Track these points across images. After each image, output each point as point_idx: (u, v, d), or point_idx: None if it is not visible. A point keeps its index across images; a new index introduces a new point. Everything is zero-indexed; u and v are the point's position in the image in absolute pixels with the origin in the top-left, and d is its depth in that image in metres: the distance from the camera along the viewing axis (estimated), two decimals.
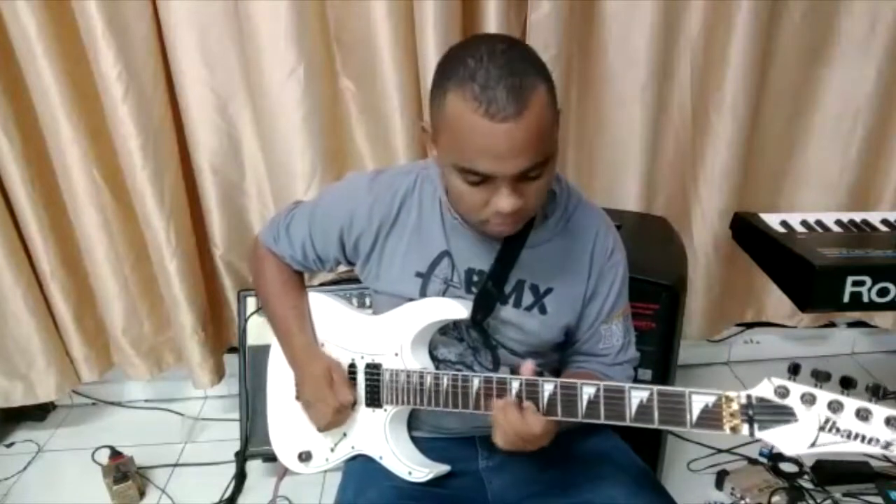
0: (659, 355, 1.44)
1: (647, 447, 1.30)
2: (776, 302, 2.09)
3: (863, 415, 0.76)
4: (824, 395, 0.79)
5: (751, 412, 0.82)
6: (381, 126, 1.74)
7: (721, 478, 1.75)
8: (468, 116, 0.82)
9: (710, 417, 0.84)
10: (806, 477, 1.74)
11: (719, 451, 1.86)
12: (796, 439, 0.80)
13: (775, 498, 1.66)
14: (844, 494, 1.70)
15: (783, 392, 0.81)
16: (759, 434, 0.82)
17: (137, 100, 1.62)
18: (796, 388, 0.80)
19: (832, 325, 2.24)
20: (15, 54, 1.60)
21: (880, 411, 0.76)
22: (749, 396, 0.82)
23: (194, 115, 1.73)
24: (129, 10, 1.57)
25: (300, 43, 1.59)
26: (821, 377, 0.81)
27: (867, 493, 1.69)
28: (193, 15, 1.63)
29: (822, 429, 0.78)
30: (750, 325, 2.22)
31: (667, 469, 1.74)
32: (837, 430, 0.78)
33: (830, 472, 1.72)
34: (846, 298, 1.27)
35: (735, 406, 0.83)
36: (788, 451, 0.80)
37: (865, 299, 1.27)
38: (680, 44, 1.74)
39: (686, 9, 1.70)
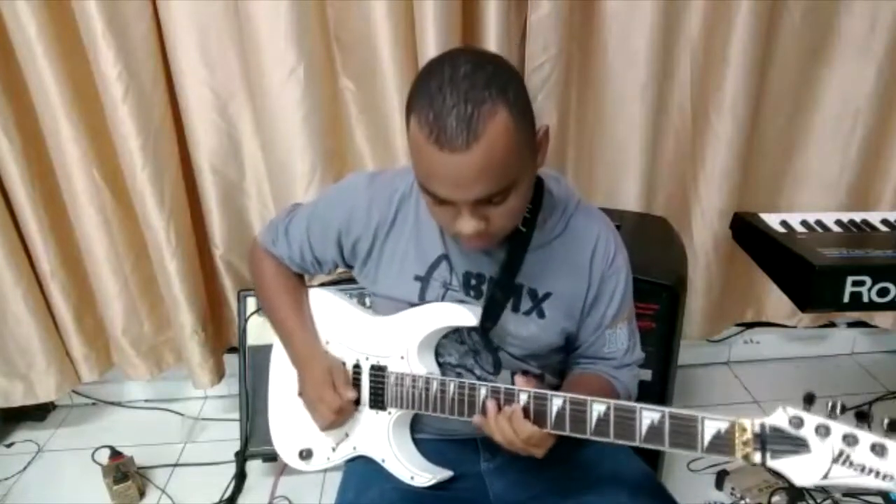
0: (659, 355, 1.44)
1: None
2: (776, 302, 2.08)
3: (878, 450, 0.75)
4: (839, 428, 0.77)
5: (764, 441, 0.80)
6: (381, 126, 1.74)
7: (721, 478, 1.75)
8: (423, 142, 0.82)
9: (722, 444, 0.83)
10: None
11: None
12: (808, 470, 0.78)
13: (775, 498, 1.66)
14: (844, 494, 1.70)
15: (798, 422, 0.79)
16: (770, 463, 0.80)
17: (137, 100, 1.62)
18: (811, 419, 0.79)
19: (832, 325, 2.24)
20: (15, 54, 1.60)
21: None
22: (763, 425, 0.80)
23: (194, 115, 1.73)
24: (129, 10, 1.57)
25: (300, 43, 1.59)
26: (835, 408, 0.79)
27: (867, 494, 1.69)
28: (193, 15, 1.63)
29: (835, 461, 0.77)
30: (750, 325, 2.21)
31: (667, 469, 1.74)
32: (851, 463, 0.76)
33: None
34: (846, 298, 1.26)
35: (748, 434, 0.81)
36: (799, 482, 0.79)
37: (865, 299, 1.26)
38: (680, 44, 1.74)
39: (686, 9, 1.70)
